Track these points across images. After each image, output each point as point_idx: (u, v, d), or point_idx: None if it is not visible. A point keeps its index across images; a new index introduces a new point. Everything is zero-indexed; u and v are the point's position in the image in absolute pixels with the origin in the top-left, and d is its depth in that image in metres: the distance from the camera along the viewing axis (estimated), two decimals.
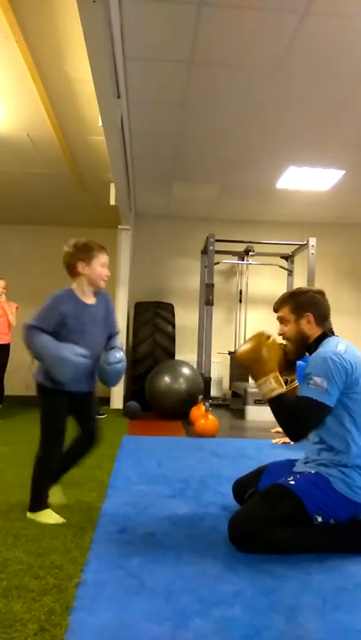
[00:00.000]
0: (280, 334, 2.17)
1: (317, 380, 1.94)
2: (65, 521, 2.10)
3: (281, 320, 2.17)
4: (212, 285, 5.93)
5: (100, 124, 3.65)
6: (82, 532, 2.01)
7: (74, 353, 2.01)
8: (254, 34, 3.05)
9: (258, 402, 5.65)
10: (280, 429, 4.55)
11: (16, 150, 4.84)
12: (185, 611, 1.44)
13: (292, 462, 2.27)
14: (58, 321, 2.10)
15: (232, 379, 6.78)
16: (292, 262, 6.75)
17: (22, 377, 7.45)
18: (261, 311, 7.21)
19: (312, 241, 5.99)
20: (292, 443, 4.18)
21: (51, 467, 2.21)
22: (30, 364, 8.17)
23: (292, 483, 1.96)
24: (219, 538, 1.99)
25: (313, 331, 2.11)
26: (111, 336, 2.34)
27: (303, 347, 2.13)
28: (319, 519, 1.90)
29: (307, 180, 5.53)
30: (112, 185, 5.14)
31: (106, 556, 1.81)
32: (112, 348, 2.29)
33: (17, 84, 3.62)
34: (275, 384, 2.00)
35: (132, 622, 1.38)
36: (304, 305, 2.12)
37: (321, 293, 2.18)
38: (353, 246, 7.46)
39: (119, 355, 2.25)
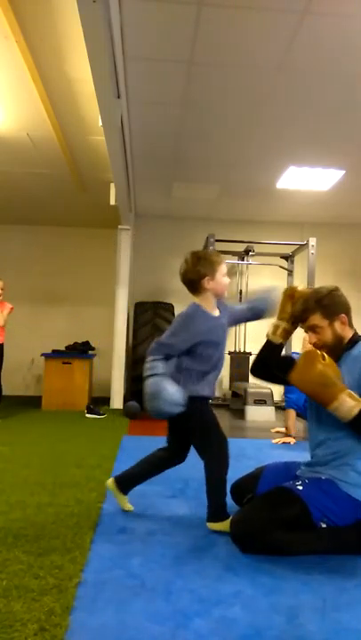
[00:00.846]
0: (314, 343, 2.05)
1: None
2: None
3: (313, 329, 2.04)
4: None
5: (100, 124, 3.65)
6: (82, 532, 2.01)
7: (172, 402, 1.96)
8: (254, 34, 3.05)
9: (258, 402, 5.65)
10: (280, 429, 4.58)
11: (16, 150, 4.84)
12: (185, 611, 1.44)
13: (289, 465, 2.25)
14: (192, 342, 2.09)
15: (232, 379, 6.78)
16: (292, 262, 6.75)
17: (22, 377, 7.48)
18: None
19: (312, 241, 5.99)
20: (292, 442, 4.20)
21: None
22: (30, 364, 8.20)
23: (300, 488, 1.92)
24: (219, 538, 1.99)
25: (346, 331, 2.04)
26: (241, 310, 2.37)
27: (340, 350, 2.03)
28: (323, 525, 1.88)
29: (307, 179, 5.53)
30: (112, 185, 5.14)
31: (106, 555, 1.81)
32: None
33: (17, 84, 3.62)
34: (352, 401, 1.84)
35: (132, 622, 1.38)
36: (333, 307, 2.03)
37: (338, 290, 2.10)
38: (353, 246, 7.46)
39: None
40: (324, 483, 1.95)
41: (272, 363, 2.35)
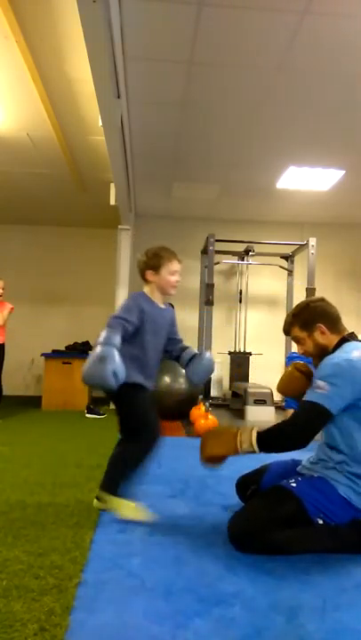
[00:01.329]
0: (302, 354, 2.17)
1: (320, 383, 1.91)
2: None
3: (297, 341, 2.16)
4: (212, 285, 5.93)
5: (100, 123, 3.65)
6: (82, 532, 2.01)
7: (113, 371, 1.95)
8: (254, 34, 3.05)
9: (258, 402, 5.65)
10: None
11: (16, 150, 4.84)
12: (185, 611, 1.44)
13: (295, 462, 2.27)
14: (140, 317, 2.16)
15: (232, 379, 6.78)
16: (292, 262, 6.75)
17: (22, 377, 7.49)
18: (262, 311, 7.22)
19: (312, 241, 5.99)
20: None
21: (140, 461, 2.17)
22: (30, 364, 8.20)
23: (294, 485, 1.95)
24: (219, 538, 1.99)
25: (329, 339, 2.09)
26: (178, 341, 2.43)
27: (325, 356, 2.07)
28: (320, 522, 1.89)
29: (307, 179, 5.53)
30: (112, 185, 5.14)
31: (106, 555, 1.81)
32: (197, 355, 2.40)
33: (17, 84, 3.63)
34: (244, 434, 1.96)
35: (132, 622, 1.38)
36: (311, 319, 2.10)
37: (321, 300, 2.17)
38: (353, 246, 7.46)
39: (210, 358, 2.40)
40: (316, 480, 1.97)
41: None
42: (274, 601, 1.52)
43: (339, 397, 1.88)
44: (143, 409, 2.17)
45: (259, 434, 1.94)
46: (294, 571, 1.73)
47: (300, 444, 1.93)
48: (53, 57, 3.35)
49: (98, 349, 1.99)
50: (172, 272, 2.27)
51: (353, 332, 2.13)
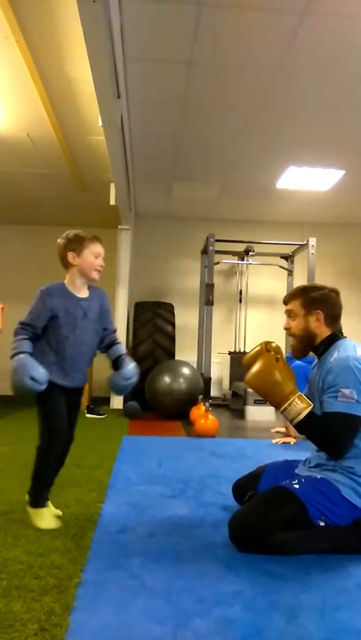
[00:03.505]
0: (286, 328, 2.10)
1: (346, 391, 1.86)
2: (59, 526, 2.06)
3: (289, 314, 2.10)
4: (212, 285, 5.93)
5: (100, 124, 3.65)
6: (82, 532, 2.01)
7: (30, 377, 1.93)
8: (254, 34, 3.05)
9: (258, 402, 5.65)
10: (280, 429, 4.58)
11: (16, 150, 4.84)
12: (185, 611, 1.44)
13: (290, 463, 2.26)
14: (48, 316, 2.07)
15: (232, 379, 6.78)
16: (292, 262, 6.75)
17: None
18: (261, 311, 7.21)
19: (312, 241, 5.99)
20: (292, 442, 4.20)
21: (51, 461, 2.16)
22: None
23: (297, 486, 1.93)
24: (219, 538, 1.99)
25: (321, 330, 2.04)
26: (110, 332, 2.31)
27: (308, 345, 2.07)
28: (322, 524, 1.88)
29: (307, 179, 5.53)
30: (112, 185, 5.14)
31: (106, 555, 1.81)
32: (121, 359, 2.27)
33: (17, 83, 3.63)
34: (301, 404, 1.88)
35: (132, 622, 1.38)
36: (315, 301, 2.04)
37: (336, 292, 2.10)
38: (353, 246, 7.46)
39: (133, 368, 2.26)
40: (319, 482, 1.95)
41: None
42: (274, 601, 1.51)
43: None
44: (53, 410, 2.13)
45: (310, 415, 1.88)
46: (294, 571, 1.73)
47: (340, 454, 1.91)
48: (53, 57, 3.35)
49: (11, 362, 1.98)
50: (96, 254, 2.19)
51: (341, 330, 2.11)
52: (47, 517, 2.08)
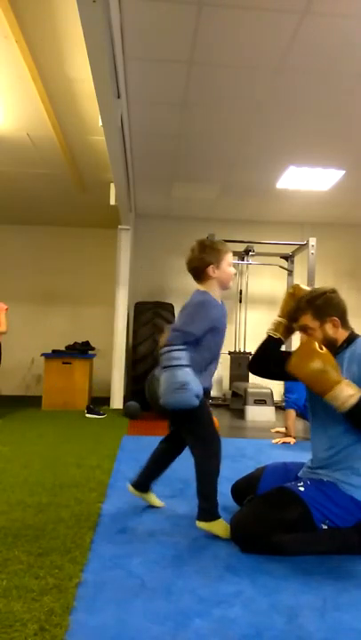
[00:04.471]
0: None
1: None
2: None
3: (304, 329, 2.03)
4: None
5: (100, 124, 3.65)
6: (82, 532, 2.01)
7: (196, 394, 1.95)
8: (254, 34, 3.05)
9: (258, 402, 5.65)
10: (280, 429, 4.58)
11: (16, 150, 4.84)
12: (185, 611, 1.44)
13: (289, 466, 2.25)
14: (208, 327, 2.06)
15: (232, 379, 6.78)
16: (293, 262, 6.75)
17: (22, 377, 7.49)
18: (261, 311, 7.21)
19: (312, 241, 5.99)
20: (292, 442, 4.20)
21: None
22: (30, 364, 8.18)
23: (302, 489, 1.92)
24: (219, 538, 1.99)
25: (339, 334, 1.99)
26: None
27: (333, 352, 1.98)
28: (324, 527, 1.87)
29: (307, 179, 5.53)
30: (112, 185, 5.14)
31: (106, 555, 1.81)
32: None
33: (17, 83, 3.62)
34: (350, 390, 1.83)
35: (132, 622, 1.38)
36: (325, 309, 1.99)
37: (334, 291, 2.05)
38: (353, 246, 7.46)
39: None
40: (325, 485, 1.94)
41: (271, 358, 2.24)
42: (274, 601, 1.51)
43: None
44: (210, 416, 2.15)
45: (356, 405, 1.81)
46: (295, 571, 1.73)
47: None
48: (53, 57, 3.35)
49: (175, 374, 1.94)
50: (230, 264, 2.18)
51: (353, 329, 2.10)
52: (224, 524, 2.03)
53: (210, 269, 2.11)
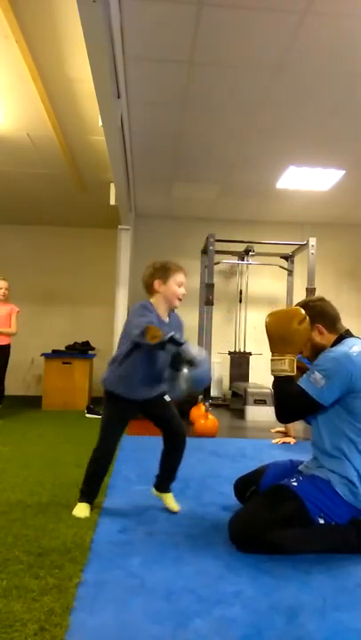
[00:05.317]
0: (299, 354, 2.17)
1: (317, 376, 1.95)
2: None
3: None
4: (212, 285, 5.93)
5: (100, 123, 3.65)
6: (82, 532, 2.01)
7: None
8: (254, 34, 3.05)
9: (258, 402, 5.65)
10: (280, 429, 4.58)
11: (16, 150, 4.84)
12: (185, 611, 1.44)
13: (293, 463, 2.28)
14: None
15: (232, 379, 6.78)
16: (292, 262, 6.75)
17: (22, 377, 7.49)
18: (261, 311, 7.21)
19: (312, 241, 5.99)
20: (292, 442, 4.20)
21: None
22: (30, 364, 8.18)
23: (295, 484, 1.96)
24: (219, 538, 1.99)
25: (327, 339, 2.11)
26: None
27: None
28: (321, 521, 1.90)
29: (307, 179, 5.53)
30: (112, 185, 5.14)
31: (106, 555, 1.81)
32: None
33: (17, 83, 3.62)
34: (287, 366, 2.02)
35: (132, 622, 1.38)
36: (310, 318, 2.10)
37: (321, 300, 2.18)
38: (353, 246, 7.46)
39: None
40: (318, 480, 1.98)
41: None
42: (274, 601, 1.52)
43: (332, 392, 1.93)
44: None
45: (286, 378, 2.02)
46: (294, 571, 1.73)
47: (283, 421, 2.17)
48: (53, 57, 3.35)
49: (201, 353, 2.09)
50: (180, 283, 2.31)
51: (348, 330, 2.14)
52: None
53: (156, 283, 2.29)
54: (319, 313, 2.12)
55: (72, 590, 1.53)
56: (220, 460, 3.50)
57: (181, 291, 2.33)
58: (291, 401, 2.03)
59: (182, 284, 2.33)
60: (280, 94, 3.75)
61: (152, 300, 2.31)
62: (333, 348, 2.04)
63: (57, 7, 2.89)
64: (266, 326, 2.09)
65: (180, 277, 2.32)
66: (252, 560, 1.80)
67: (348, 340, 2.06)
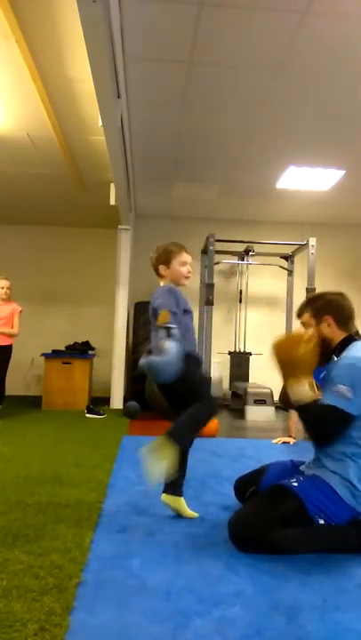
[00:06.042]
0: None
1: (342, 388, 1.91)
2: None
3: (304, 326, 2.18)
4: (212, 285, 5.93)
5: (100, 123, 3.65)
6: (82, 532, 2.01)
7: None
8: (254, 34, 3.05)
9: (258, 402, 5.65)
10: (286, 439, 4.57)
11: (16, 150, 4.84)
12: (185, 611, 1.44)
13: (294, 463, 2.28)
14: (180, 307, 2.25)
15: (232, 379, 6.78)
16: (293, 262, 6.74)
17: (22, 377, 7.48)
18: (261, 311, 7.21)
19: (312, 241, 5.98)
20: (291, 442, 4.20)
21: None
22: (30, 364, 8.17)
23: (295, 484, 1.96)
24: (219, 538, 1.99)
25: (335, 334, 2.10)
26: None
27: (326, 351, 2.10)
28: (321, 521, 1.90)
29: (307, 179, 5.53)
30: (112, 185, 5.14)
31: (106, 555, 1.81)
32: None
33: (17, 83, 3.62)
34: (309, 390, 1.96)
35: (132, 622, 1.38)
36: (323, 309, 2.12)
37: (340, 295, 2.19)
38: (353, 246, 7.46)
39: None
40: (317, 480, 1.98)
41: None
42: (274, 601, 1.52)
43: (360, 400, 1.90)
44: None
45: (314, 402, 1.96)
46: (294, 571, 1.73)
47: (326, 444, 2.00)
48: (53, 57, 3.35)
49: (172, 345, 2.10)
50: (183, 263, 2.35)
51: (358, 331, 2.14)
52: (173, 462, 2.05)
53: (161, 268, 2.37)
54: (334, 306, 2.13)
55: (72, 590, 1.53)
56: (220, 459, 3.50)
57: (186, 270, 2.36)
58: (326, 422, 1.96)
59: (186, 263, 2.36)
60: (280, 94, 3.75)
61: (161, 284, 2.38)
62: (346, 355, 2.01)
63: (57, 7, 2.89)
64: (275, 356, 2.05)
65: (182, 257, 2.35)
66: (252, 560, 1.80)
67: (358, 345, 2.04)
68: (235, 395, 6.52)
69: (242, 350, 6.93)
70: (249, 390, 5.78)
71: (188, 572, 1.70)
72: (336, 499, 1.92)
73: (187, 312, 2.35)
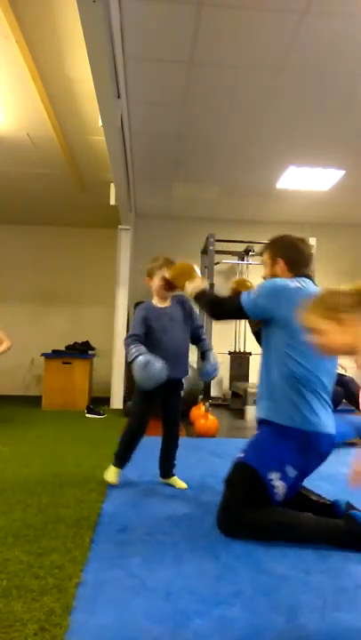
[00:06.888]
0: (263, 277, 2.34)
1: (254, 290, 2.15)
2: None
3: (263, 263, 2.35)
4: (213, 285, 5.93)
5: (100, 123, 3.65)
6: (82, 532, 2.01)
7: (152, 366, 2.40)
8: (254, 34, 3.05)
9: None
10: None
11: (16, 150, 4.84)
12: (185, 611, 1.44)
13: None
14: (145, 325, 2.61)
15: (232, 379, 6.78)
16: None
17: (22, 377, 7.49)
18: None
19: (312, 241, 5.98)
20: None
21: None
22: (30, 364, 8.18)
23: (242, 455, 2.05)
24: (219, 538, 1.99)
25: (285, 275, 2.20)
26: (195, 328, 2.82)
27: None
28: (276, 475, 1.94)
29: (307, 179, 5.53)
30: (112, 185, 5.14)
31: (106, 555, 1.81)
32: (206, 354, 2.81)
33: (17, 83, 3.62)
34: (199, 282, 2.40)
35: (132, 622, 1.38)
36: (279, 250, 2.24)
37: (301, 240, 2.29)
38: (353, 246, 7.46)
39: (215, 363, 2.83)
40: (259, 434, 2.09)
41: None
42: (274, 601, 1.52)
43: (259, 305, 2.11)
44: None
45: (200, 292, 2.37)
46: (294, 570, 1.73)
47: (213, 316, 2.39)
48: (53, 57, 3.35)
49: (139, 359, 2.41)
50: (160, 277, 2.67)
51: (311, 276, 2.22)
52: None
53: (146, 280, 2.77)
54: (289, 248, 2.25)
55: (72, 590, 1.53)
56: (220, 460, 3.50)
57: (157, 283, 2.69)
58: (222, 303, 2.31)
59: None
60: (280, 94, 3.75)
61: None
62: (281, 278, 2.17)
63: (57, 7, 2.89)
64: (171, 277, 2.51)
65: (162, 272, 2.66)
66: (252, 560, 1.80)
67: (300, 278, 2.15)
68: (235, 395, 6.51)
69: (242, 350, 6.93)
70: (249, 390, 5.78)
71: (187, 571, 1.70)
72: (281, 442, 1.98)
73: (158, 329, 2.62)
